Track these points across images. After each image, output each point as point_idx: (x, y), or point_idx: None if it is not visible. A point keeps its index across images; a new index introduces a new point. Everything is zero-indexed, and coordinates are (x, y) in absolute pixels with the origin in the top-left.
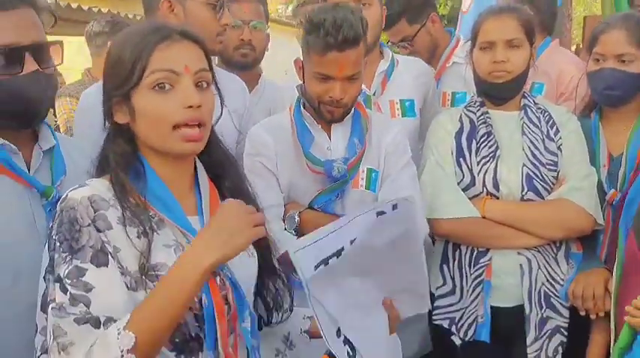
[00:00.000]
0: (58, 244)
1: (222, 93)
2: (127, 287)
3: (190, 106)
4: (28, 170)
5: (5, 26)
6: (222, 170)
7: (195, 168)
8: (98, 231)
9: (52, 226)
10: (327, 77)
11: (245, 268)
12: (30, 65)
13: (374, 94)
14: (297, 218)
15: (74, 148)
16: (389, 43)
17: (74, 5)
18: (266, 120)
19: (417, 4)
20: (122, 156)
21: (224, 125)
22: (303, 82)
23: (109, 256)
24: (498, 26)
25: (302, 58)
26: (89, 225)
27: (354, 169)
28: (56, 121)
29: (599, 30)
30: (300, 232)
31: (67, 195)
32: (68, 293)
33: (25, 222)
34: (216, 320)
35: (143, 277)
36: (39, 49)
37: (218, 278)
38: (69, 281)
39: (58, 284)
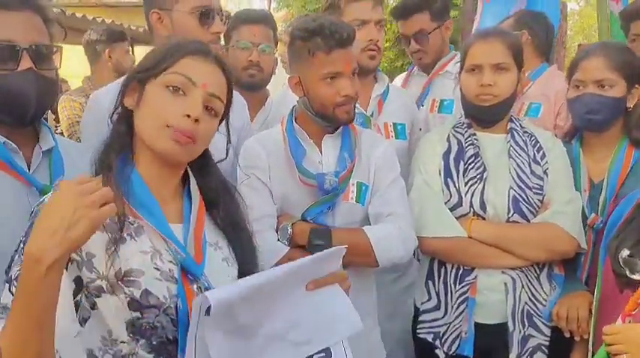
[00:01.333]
0: (21, 246)
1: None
2: (104, 290)
3: (188, 115)
4: (28, 169)
5: (5, 24)
6: (216, 197)
7: (186, 176)
8: None
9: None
10: (336, 75)
11: (224, 277)
12: (25, 63)
13: (371, 116)
14: (289, 229)
15: (75, 150)
16: (399, 35)
17: (79, 15)
18: (259, 134)
19: (441, 3)
20: (118, 137)
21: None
22: (304, 96)
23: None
24: (486, 50)
25: (297, 74)
26: None
27: (345, 182)
28: (57, 126)
29: (579, 57)
30: (292, 243)
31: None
32: (13, 295)
33: (23, 217)
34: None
35: (119, 282)
36: (37, 51)
37: (195, 286)
38: (17, 283)
39: (8, 285)
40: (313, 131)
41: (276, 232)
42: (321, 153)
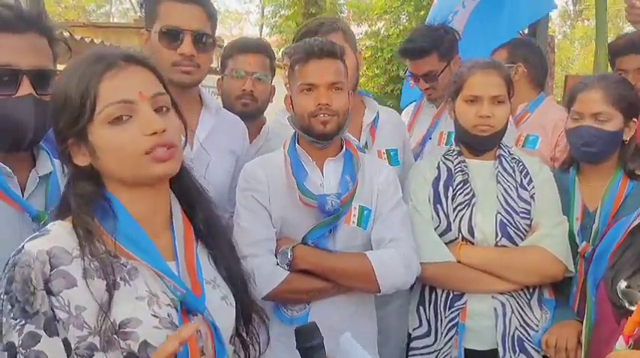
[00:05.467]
0: (9, 307)
1: (184, 116)
2: (97, 348)
3: (154, 133)
4: (23, 194)
5: (6, 47)
6: (193, 199)
7: (170, 203)
8: (52, 294)
9: (1, 281)
10: (312, 86)
11: (225, 318)
12: (25, 89)
13: (365, 146)
14: (290, 253)
15: None
16: (406, 74)
17: (65, 34)
18: (260, 157)
19: (448, 42)
20: (84, 198)
21: (221, 166)
22: (292, 112)
23: (57, 326)
24: (485, 81)
25: (289, 92)
26: (42, 288)
27: (347, 205)
28: None
29: (577, 89)
30: (293, 267)
31: (22, 247)
32: None
33: (12, 245)
34: None
35: (114, 336)
36: (39, 75)
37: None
38: (23, 351)
39: (7, 353)
40: (315, 154)
41: (276, 256)
42: (323, 175)
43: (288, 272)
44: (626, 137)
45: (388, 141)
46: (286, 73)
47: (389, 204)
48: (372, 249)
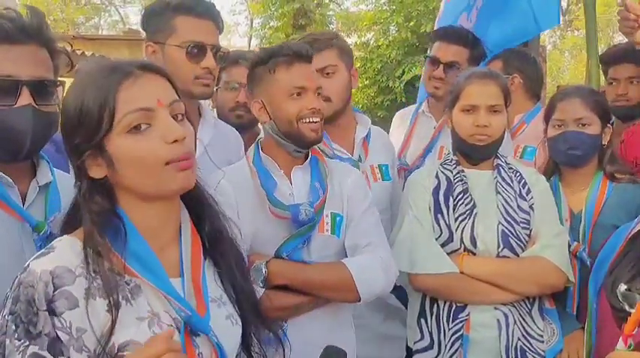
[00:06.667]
0: (13, 328)
1: (194, 126)
2: None
3: (176, 140)
4: (23, 203)
5: (7, 58)
6: (201, 209)
7: (180, 214)
8: (54, 314)
9: (5, 299)
10: (301, 89)
11: (230, 337)
12: (24, 99)
13: (359, 159)
14: (264, 269)
15: (72, 185)
16: (426, 58)
17: (63, 45)
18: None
19: (481, 53)
20: (100, 215)
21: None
22: (270, 120)
23: (63, 346)
24: (482, 91)
25: (259, 98)
26: (45, 309)
27: (319, 213)
28: None
29: (557, 99)
30: (267, 283)
31: (28, 266)
32: None
33: (13, 255)
34: None
35: None
36: (38, 86)
37: (197, 351)
38: None
39: None
40: (282, 162)
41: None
42: (292, 184)
43: (264, 290)
44: (604, 141)
45: (381, 156)
46: (249, 78)
47: (360, 208)
48: (346, 257)
